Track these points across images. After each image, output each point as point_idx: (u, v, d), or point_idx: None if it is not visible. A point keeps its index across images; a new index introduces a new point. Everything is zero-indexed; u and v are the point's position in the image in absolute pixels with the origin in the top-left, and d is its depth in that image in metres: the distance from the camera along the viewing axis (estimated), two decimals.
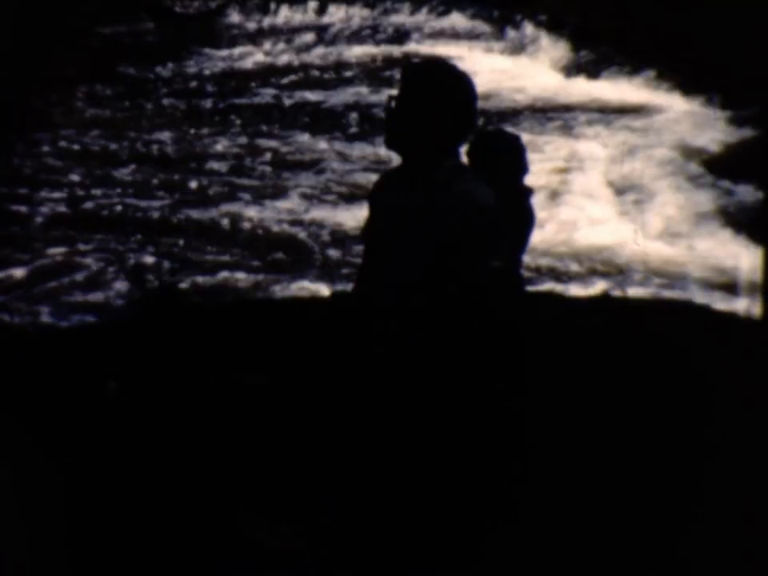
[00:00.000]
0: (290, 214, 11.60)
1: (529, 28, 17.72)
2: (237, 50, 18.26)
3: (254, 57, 18.00)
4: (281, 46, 18.48)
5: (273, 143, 13.90)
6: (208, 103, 15.63)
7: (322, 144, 13.77)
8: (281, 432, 5.24)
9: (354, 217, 11.15)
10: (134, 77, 16.69)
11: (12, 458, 4.90)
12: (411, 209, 3.56)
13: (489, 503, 3.51)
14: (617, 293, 9.43)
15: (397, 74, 16.33)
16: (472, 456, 3.49)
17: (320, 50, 18.21)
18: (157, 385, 5.83)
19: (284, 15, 19.80)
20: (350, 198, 12.01)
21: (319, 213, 11.64)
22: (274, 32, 19.15)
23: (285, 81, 16.69)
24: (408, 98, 3.53)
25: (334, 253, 10.71)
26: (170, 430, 5.34)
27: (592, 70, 16.09)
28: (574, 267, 10.42)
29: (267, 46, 18.50)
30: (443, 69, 3.60)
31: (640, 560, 4.27)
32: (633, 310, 7.78)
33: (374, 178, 12.29)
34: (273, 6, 19.96)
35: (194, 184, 12.43)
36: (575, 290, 9.69)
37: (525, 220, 5.03)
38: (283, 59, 17.86)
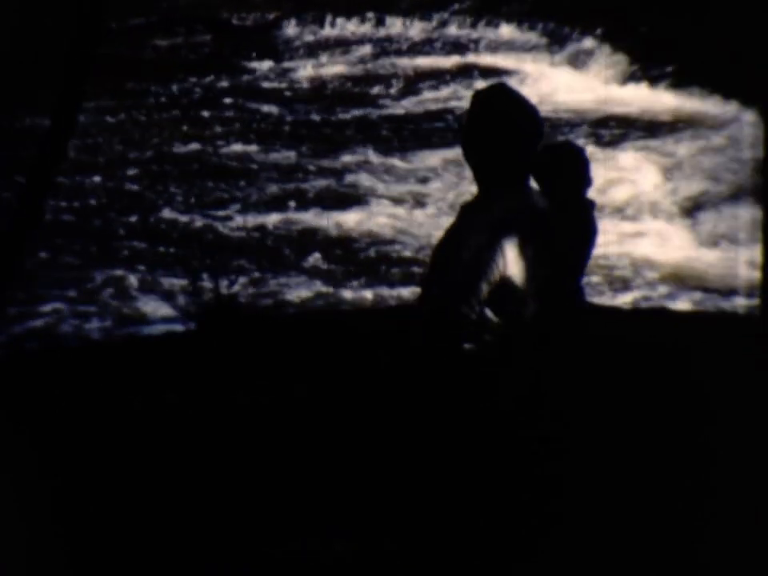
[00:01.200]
0: (235, 221, 11.78)
1: (585, 40, 17.68)
2: (285, 64, 18.32)
3: (300, 70, 18.03)
4: (336, 58, 18.53)
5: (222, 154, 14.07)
6: (187, 115, 15.73)
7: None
8: (329, 447, 5.25)
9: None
10: (149, 90, 16.76)
11: (62, 466, 4.94)
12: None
13: (498, 513, 3.52)
14: (672, 305, 9.39)
15: (446, 85, 16.41)
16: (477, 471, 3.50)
17: (375, 63, 18.24)
18: (214, 397, 5.86)
19: (341, 27, 19.85)
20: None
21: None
22: (330, 44, 19.20)
23: (313, 95, 16.75)
24: (471, 122, 3.67)
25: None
26: (223, 440, 5.36)
27: (650, 82, 16.02)
28: (627, 277, 10.38)
29: (323, 58, 18.55)
30: (503, 93, 3.72)
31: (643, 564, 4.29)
32: (682, 322, 7.75)
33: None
34: (329, 18, 20.01)
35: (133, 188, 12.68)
36: (624, 301, 9.69)
37: (587, 233, 5.00)
38: (330, 72, 17.87)
